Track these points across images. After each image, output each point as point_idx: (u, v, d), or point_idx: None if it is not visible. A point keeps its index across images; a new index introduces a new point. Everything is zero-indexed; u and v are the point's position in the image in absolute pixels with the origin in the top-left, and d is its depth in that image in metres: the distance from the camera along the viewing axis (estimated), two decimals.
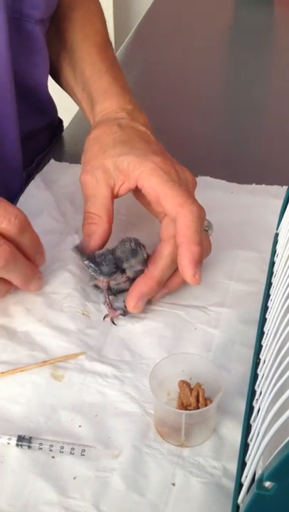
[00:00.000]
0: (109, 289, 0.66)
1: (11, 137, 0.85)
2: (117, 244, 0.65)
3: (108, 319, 0.66)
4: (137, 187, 0.69)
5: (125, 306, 0.66)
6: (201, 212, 0.64)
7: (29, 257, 0.64)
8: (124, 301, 0.67)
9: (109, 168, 0.69)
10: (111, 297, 0.67)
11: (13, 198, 0.83)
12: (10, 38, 0.78)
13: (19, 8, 0.80)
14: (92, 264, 0.65)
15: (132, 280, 0.65)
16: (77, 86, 0.87)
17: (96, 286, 0.68)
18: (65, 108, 1.05)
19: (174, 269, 0.65)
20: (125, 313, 0.66)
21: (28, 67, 0.86)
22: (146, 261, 0.64)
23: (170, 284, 0.67)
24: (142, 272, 0.65)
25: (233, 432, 0.53)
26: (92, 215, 0.70)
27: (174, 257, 0.64)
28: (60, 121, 1.06)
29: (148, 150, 0.70)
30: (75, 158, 0.94)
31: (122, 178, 0.69)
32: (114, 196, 0.71)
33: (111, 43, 0.92)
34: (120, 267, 0.64)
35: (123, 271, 0.65)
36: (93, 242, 0.67)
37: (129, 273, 0.65)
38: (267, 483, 0.34)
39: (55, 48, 0.90)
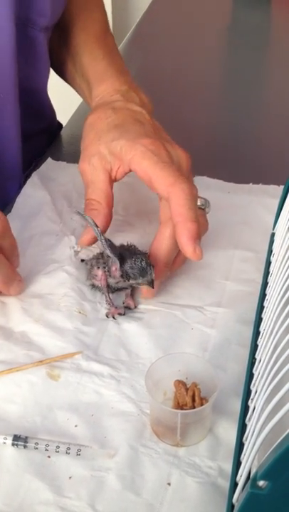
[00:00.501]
0: (108, 286, 0.67)
1: (11, 140, 0.86)
2: (128, 255, 0.65)
3: (110, 317, 0.66)
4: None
5: (125, 306, 0.66)
6: (192, 190, 0.65)
7: (7, 259, 0.65)
8: (123, 302, 0.67)
9: (105, 154, 0.70)
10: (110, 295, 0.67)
11: (10, 200, 0.83)
12: (16, 44, 0.79)
13: (26, 15, 0.81)
14: (108, 241, 0.65)
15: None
16: (76, 74, 0.88)
17: (93, 285, 0.68)
18: (63, 109, 1.05)
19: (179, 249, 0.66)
20: (124, 312, 0.66)
21: (29, 72, 0.87)
22: (152, 281, 0.64)
23: (173, 264, 0.68)
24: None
25: (228, 432, 0.53)
26: (92, 202, 0.71)
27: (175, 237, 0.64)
28: (60, 125, 1.06)
29: (140, 132, 0.71)
30: (73, 158, 0.94)
31: (117, 163, 0.70)
32: (113, 181, 0.72)
33: (110, 31, 0.93)
34: (124, 269, 0.65)
35: (127, 276, 0.65)
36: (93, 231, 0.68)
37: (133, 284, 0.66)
38: (261, 482, 0.34)
39: (55, 38, 0.91)
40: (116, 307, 0.66)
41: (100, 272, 0.67)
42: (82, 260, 0.72)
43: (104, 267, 0.66)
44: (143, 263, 0.63)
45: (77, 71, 0.88)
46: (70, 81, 0.92)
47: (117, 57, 0.87)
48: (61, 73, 0.94)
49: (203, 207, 0.70)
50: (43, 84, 0.93)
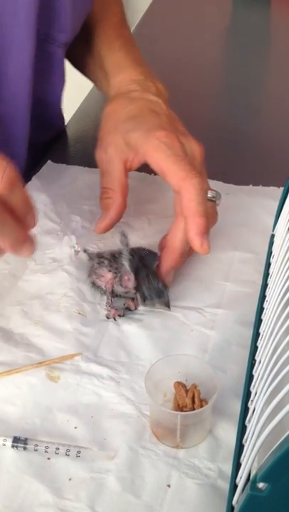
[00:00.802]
0: (112, 292, 0.67)
1: (19, 149, 0.87)
2: (142, 277, 0.65)
3: (110, 318, 0.66)
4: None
5: (125, 307, 0.66)
6: (203, 184, 0.66)
7: (19, 219, 0.58)
8: (124, 303, 0.67)
9: (121, 144, 0.72)
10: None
11: None
12: (34, 59, 0.80)
13: (46, 31, 0.83)
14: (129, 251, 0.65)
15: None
16: (96, 66, 0.89)
17: (94, 284, 0.68)
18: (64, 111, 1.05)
19: None
20: (124, 313, 0.66)
21: (45, 85, 0.88)
22: (169, 303, 0.65)
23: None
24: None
25: (228, 433, 0.53)
26: (108, 190, 0.72)
27: None
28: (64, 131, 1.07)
29: (155, 123, 0.72)
30: (74, 160, 0.94)
31: (132, 153, 0.71)
32: (128, 170, 0.73)
33: (127, 23, 0.94)
34: (141, 291, 0.65)
35: (143, 297, 0.65)
36: (109, 215, 0.70)
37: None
38: (260, 484, 0.34)
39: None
40: (116, 309, 0.67)
41: (108, 275, 0.66)
42: (85, 251, 0.72)
43: (116, 272, 0.66)
44: (160, 285, 0.64)
45: (96, 63, 0.89)
46: (90, 74, 0.93)
47: (133, 48, 0.87)
48: (81, 67, 0.95)
49: (214, 199, 0.71)
50: (58, 98, 0.94)
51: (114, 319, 0.66)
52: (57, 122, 1.01)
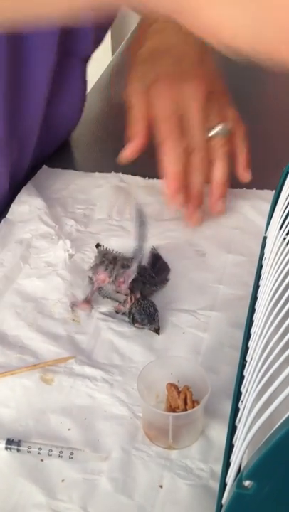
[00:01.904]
0: (99, 289, 0.67)
1: (27, 156, 0.88)
2: (133, 300, 0.66)
3: (72, 308, 0.67)
4: None
5: (116, 311, 0.67)
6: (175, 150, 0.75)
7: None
8: (114, 307, 0.68)
9: (139, 86, 0.77)
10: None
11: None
12: (53, 73, 0.83)
13: (69, 46, 0.84)
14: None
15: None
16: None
17: (90, 279, 0.69)
18: None
19: None
20: (90, 310, 0.66)
21: (63, 98, 0.90)
22: (159, 328, 0.65)
23: None
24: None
25: (220, 434, 0.54)
26: (134, 122, 0.77)
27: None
28: None
29: (168, 70, 0.77)
30: (68, 164, 0.94)
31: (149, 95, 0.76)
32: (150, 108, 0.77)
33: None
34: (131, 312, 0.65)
35: (133, 319, 0.65)
36: (133, 145, 0.76)
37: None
38: (246, 482, 0.34)
39: None
40: (87, 302, 0.67)
41: (102, 275, 0.67)
42: (98, 246, 0.72)
43: (111, 272, 0.67)
44: (151, 309, 0.64)
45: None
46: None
47: None
48: None
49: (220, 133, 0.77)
50: (76, 111, 0.96)
51: (71, 308, 0.67)
52: (67, 135, 1.02)
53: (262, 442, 0.33)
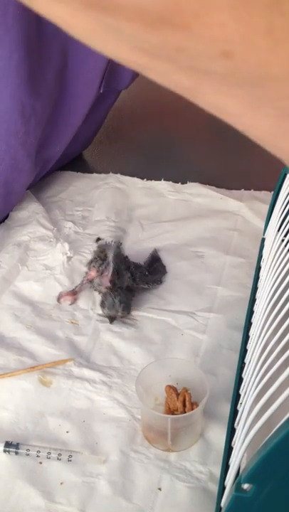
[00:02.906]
0: (91, 281, 0.68)
1: (40, 175, 0.90)
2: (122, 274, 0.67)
3: (60, 301, 0.68)
4: None
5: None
6: None
7: None
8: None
9: None
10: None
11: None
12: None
13: (109, 83, 0.87)
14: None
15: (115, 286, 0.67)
16: None
17: (86, 273, 0.70)
18: None
19: None
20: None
21: (88, 125, 0.92)
22: (111, 318, 0.66)
23: None
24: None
25: (219, 436, 0.53)
26: None
27: None
28: None
29: None
30: (69, 166, 0.94)
31: None
32: None
33: None
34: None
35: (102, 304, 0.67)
36: None
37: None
38: (245, 486, 0.34)
39: None
40: (72, 294, 0.69)
41: (93, 272, 0.69)
42: (98, 239, 0.73)
43: (99, 267, 0.68)
44: (118, 299, 0.65)
45: None
46: None
47: None
48: None
49: None
50: (96, 131, 0.99)
51: (58, 301, 0.68)
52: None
53: (261, 445, 0.33)
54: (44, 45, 0.75)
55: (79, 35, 0.17)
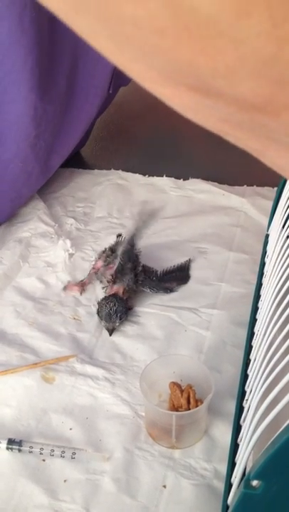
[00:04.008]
0: (96, 272, 0.69)
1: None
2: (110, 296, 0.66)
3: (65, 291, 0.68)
4: None
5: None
6: None
7: None
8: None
9: None
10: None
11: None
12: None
13: (116, 82, 0.88)
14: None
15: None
16: None
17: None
18: None
19: None
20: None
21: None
22: (110, 330, 0.65)
23: None
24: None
25: (224, 433, 0.53)
26: None
27: None
28: None
29: None
30: (70, 162, 0.94)
31: None
32: None
33: None
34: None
35: (97, 311, 0.66)
36: None
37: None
38: (254, 482, 0.33)
39: None
40: (80, 285, 0.69)
41: (99, 264, 0.70)
42: (119, 235, 0.73)
43: (106, 259, 0.69)
44: (113, 309, 0.64)
45: None
46: None
47: None
48: None
49: None
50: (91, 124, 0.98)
51: (64, 290, 0.69)
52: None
53: (269, 442, 0.33)
54: (56, 48, 0.75)
55: (175, 106, 0.18)
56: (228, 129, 0.18)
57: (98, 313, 0.65)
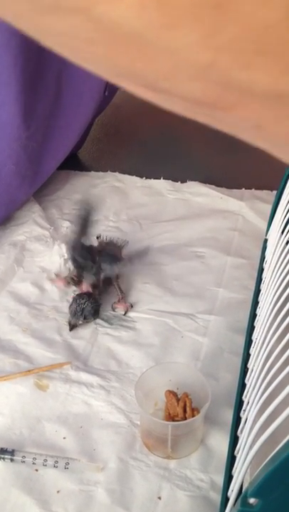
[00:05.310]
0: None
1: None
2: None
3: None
4: None
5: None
6: None
7: None
8: (112, 305, 0.66)
9: None
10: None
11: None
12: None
13: (112, 84, 0.88)
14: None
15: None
16: None
17: (72, 279, 0.69)
18: None
19: None
20: (71, 327, 0.64)
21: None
22: (71, 326, 0.64)
23: None
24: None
25: (221, 443, 0.52)
26: None
27: None
28: None
29: None
30: (66, 164, 0.93)
31: None
32: None
33: None
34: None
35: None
36: None
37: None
38: (251, 500, 0.32)
39: None
40: (65, 279, 0.70)
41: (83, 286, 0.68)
42: (98, 237, 0.72)
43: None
44: (80, 307, 0.64)
45: None
46: None
47: None
48: None
49: None
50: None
51: (50, 281, 0.69)
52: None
53: (268, 458, 0.32)
54: (46, 50, 0.74)
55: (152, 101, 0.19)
56: (198, 118, 0.19)
57: (69, 307, 0.65)
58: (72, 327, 0.64)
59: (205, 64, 0.15)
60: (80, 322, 0.64)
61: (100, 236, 0.72)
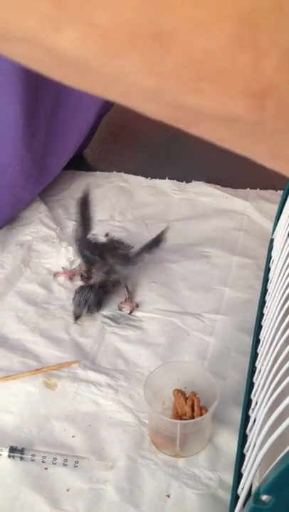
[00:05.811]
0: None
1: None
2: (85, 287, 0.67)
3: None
4: None
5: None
6: None
7: None
8: (118, 305, 0.67)
9: None
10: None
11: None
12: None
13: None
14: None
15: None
16: None
17: (81, 276, 0.70)
18: None
19: None
20: (76, 318, 0.65)
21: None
22: (76, 316, 0.65)
23: None
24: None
25: (229, 442, 0.52)
26: None
27: None
28: None
29: None
30: (71, 164, 0.93)
31: None
32: None
33: None
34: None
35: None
36: None
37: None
38: (264, 497, 0.33)
39: None
40: (70, 273, 0.71)
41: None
42: (107, 235, 0.73)
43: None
44: (84, 298, 0.65)
45: None
46: None
47: None
48: None
49: None
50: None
51: (54, 277, 0.71)
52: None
53: (280, 456, 0.32)
54: None
55: None
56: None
57: (73, 299, 0.66)
58: (77, 317, 0.65)
59: (153, 89, 0.15)
60: (84, 312, 0.65)
61: (108, 234, 0.72)
